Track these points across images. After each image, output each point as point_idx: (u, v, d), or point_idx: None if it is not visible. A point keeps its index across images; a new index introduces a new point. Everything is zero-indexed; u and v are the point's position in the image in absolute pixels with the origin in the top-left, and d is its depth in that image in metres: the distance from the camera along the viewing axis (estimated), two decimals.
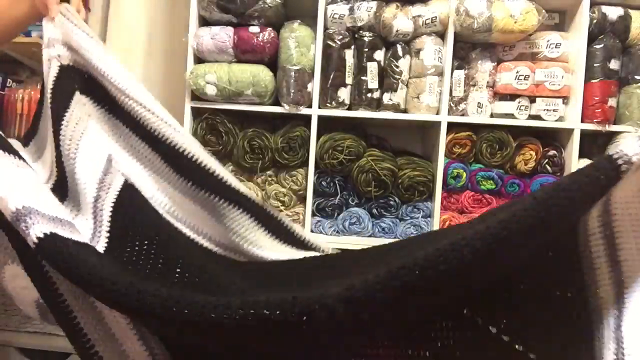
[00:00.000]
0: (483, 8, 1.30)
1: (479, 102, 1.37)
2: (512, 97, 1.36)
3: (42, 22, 0.83)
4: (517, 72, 1.34)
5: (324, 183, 1.42)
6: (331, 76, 1.35)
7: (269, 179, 1.44)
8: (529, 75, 1.34)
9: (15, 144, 0.79)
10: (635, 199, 0.49)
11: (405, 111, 1.40)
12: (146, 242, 0.71)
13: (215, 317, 0.50)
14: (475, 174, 1.39)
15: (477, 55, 1.38)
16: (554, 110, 1.35)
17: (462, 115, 1.38)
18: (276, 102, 1.39)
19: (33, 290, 0.66)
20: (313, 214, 1.42)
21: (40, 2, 0.81)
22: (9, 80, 1.56)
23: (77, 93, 0.81)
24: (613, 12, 1.35)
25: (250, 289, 0.72)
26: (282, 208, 1.43)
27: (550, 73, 1.34)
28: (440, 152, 1.36)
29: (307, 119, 1.38)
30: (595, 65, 1.34)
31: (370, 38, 1.36)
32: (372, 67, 1.36)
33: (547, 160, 1.39)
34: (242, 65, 1.36)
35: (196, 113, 1.43)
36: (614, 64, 1.35)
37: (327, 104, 1.37)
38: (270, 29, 1.35)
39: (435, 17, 1.33)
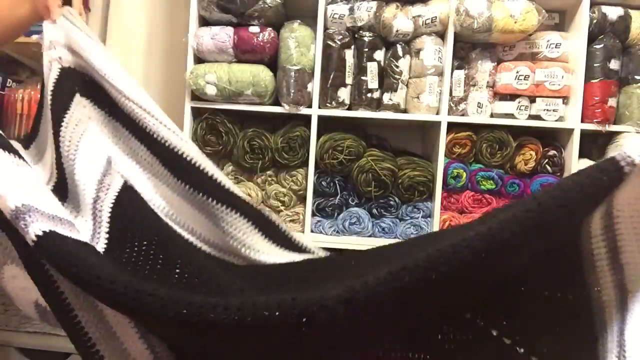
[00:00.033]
0: (483, 8, 1.29)
1: (479, 102, 1.37)
2: (512, 97, 1.36)
3: (43, 24, 0.83)
4: (517, 72, 1.34)
5: (324, 183, 1.41)
6: (331, 76, 1.35)
7: (269, 179, 1.44)
8: (529, 75, 1.34)
9: (16, 145, 0.79)
10: (638, 202, 0.48)
11: (405, 111, 1.40)
12: (145, 242, 0.71)
13: (214, 318, 0.50)
14: (475, 174, 1.39)
15: (477, 55, 1.38)
16: (554, 110, 1.35)
17: (462, 115, 1.38)
18: (276, 102, 1.39)
19: (32, 291, 0.66)
20: (313, 214, 1.42)
21: (42, 5, 0.81)
22: (9, 80, 1.55)
23: (78, 95, 0.81)
24: (613, 12, 1.35)
25: (249, 289, 0.72)
26: (282, 208, 1.43)
27: (550, 73, 1.34)
28: (440, 152, 1.35)
29: (307, 119, 1.38)
30: (595, 65, 1.34)
31: (370, 38, 1.36)
32: (372, 67, 1.36)
33: (547, 160, 1.39)
34: (242, 65, 1.35)
35: (196, 113, 1.42)
36: (614, 64, 1.35)
37: (327, 104, 1.37)
38: (270, 29, 1.35)
39: (435, 17, 1.33)
